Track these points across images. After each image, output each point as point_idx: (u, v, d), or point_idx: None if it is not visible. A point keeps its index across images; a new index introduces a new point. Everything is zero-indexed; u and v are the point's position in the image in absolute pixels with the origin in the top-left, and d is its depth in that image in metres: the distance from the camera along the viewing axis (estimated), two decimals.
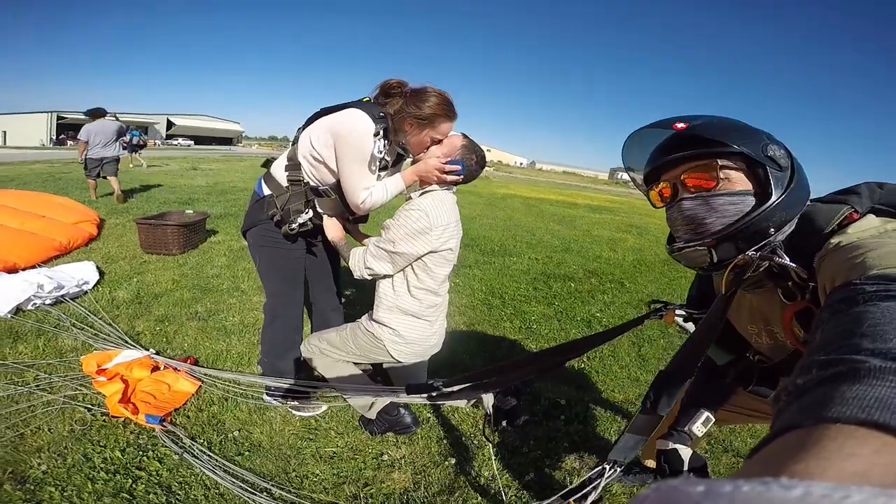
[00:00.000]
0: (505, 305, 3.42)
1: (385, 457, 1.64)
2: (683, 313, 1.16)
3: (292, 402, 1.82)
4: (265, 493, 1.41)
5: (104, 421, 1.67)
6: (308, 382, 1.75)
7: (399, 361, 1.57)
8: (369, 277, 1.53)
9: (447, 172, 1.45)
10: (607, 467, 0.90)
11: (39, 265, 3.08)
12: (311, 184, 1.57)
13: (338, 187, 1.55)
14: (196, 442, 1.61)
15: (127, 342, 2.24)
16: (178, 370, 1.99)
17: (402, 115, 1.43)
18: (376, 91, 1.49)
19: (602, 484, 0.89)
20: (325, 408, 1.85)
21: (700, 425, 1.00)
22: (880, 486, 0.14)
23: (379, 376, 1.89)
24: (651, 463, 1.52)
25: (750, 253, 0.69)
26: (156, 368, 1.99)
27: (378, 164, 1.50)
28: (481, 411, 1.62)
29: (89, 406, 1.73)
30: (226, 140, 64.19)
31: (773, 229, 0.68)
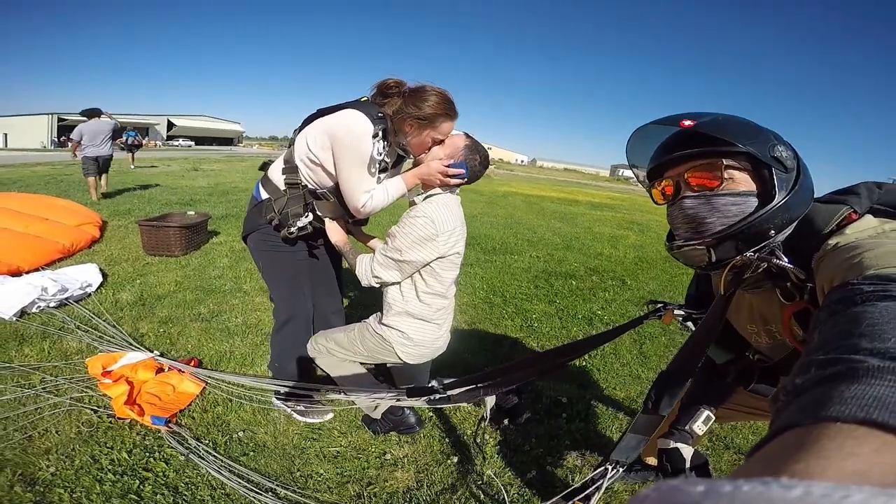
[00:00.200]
0: (506, 303, 3.42)
1: (388, 456, 1.65)
2: (682, 313, 1.16)
3: (299, 408, 1.81)
4: (270, 493, 1.43)
5: (110, 422, 1.68)
6: (313, 385, 1.75)
7: (406, 363, 1.58)
8: (377, 285, 1.51)
9: (451, 176, 1.41)
10: (609, 467, 0.90)
11: (43, 268, 3.10)
12: (310, 187, 1.54)
13: (336, 190, 1.51)
14: (201, 443, 1.62)
15: (131, 344, 2.25)
16: (183, 372, 2.00)
17: (402, 115, 1.39)
18: (373, 91, 1.45)
19: (605, 485, 0.89)
20: (331, 416, 1.83)
21: (701, 424, 1.00)
22: (880, 486, 0.14)
23: (381, 375, 1.89)
24: (652, 461, 1.53)
25: (748, 254, 0.69)
26: (160, 370, 2.01)
27: (378, 166, 1.46)
28: (481, 412, 1.63)
29: (95, 408, 1.75)
30: (226, 140, 64.22)
31: (773, 231, 0.68)
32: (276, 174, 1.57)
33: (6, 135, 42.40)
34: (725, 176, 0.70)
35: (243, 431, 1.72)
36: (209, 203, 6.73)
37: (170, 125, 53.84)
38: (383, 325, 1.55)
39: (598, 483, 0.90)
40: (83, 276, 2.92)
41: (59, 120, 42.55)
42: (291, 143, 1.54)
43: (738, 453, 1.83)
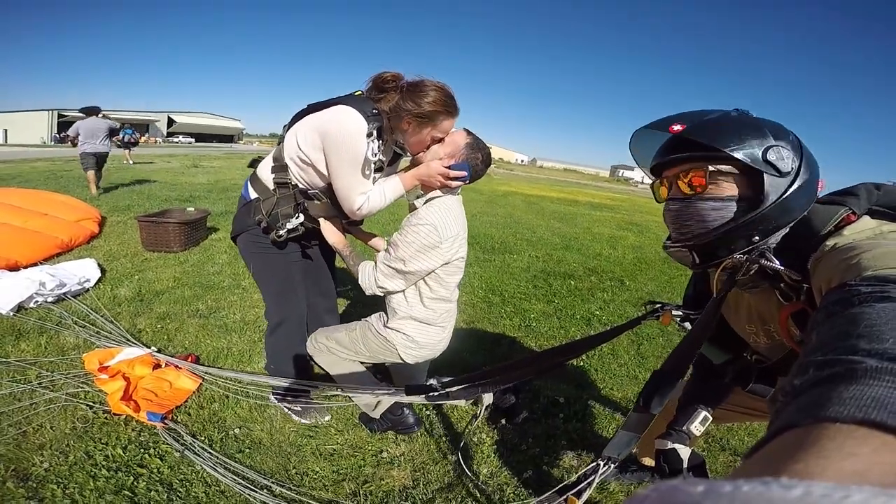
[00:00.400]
0: (505, 303, 3.42)
1: (384, 454, 1.65)
2: (680, 314, 1.16)
3: (297, 408, 1.78)
4: (266, 491, 1.42)
5: (106, 418, 1.68)
6: (311, 382, 1.74)
7: (407, 363, 1.57)
8: (381, 294, 1.49)
9: (452, 178, 1.35)
10: (601, 463, 0.92)
11: (41, 263, 3.08)
12: (301, 186, 1.45)
13: (329, 191, 1.43)
14: (197, 439, 1.62)
15: (128, 340, 2.25)
16: (180, 368, 2.00)
17: (400, 112, 1.31)
18: (369, 85, 1.35)
19: (596, 480, 0.90)
20: (329, 417, 1.80)
21: (698, 424, 1.01)
22: (880, 486, 0.14)
23: (380, 374, 1.89)
24: (649, 461, 1.53)
25: (737, 256, 0.70)
26: (157, 366, 2.00)
27: (373, 166, 1.37)
28: (479, 409, 1.63)
29: (91, 404, 1.74)
30: (226, 137, 64.19)
31: (757, 237, 0.68)
32: (266, 172, 1.49)
33: (6, 130, 42.41)
34: (711, 181, 0.70)
35: (239, 428, 1.71)
36: (209, 200, 6.73)
37: (170, 122, 53.82)
38: (388, 328, 1.53)
39: (591, 478, 0.91)
40: (81, 271, 2.91)
41: (60, 116, 42.55)
42: (281, 139, 1.46)
43: (734, 455, 1.83)
